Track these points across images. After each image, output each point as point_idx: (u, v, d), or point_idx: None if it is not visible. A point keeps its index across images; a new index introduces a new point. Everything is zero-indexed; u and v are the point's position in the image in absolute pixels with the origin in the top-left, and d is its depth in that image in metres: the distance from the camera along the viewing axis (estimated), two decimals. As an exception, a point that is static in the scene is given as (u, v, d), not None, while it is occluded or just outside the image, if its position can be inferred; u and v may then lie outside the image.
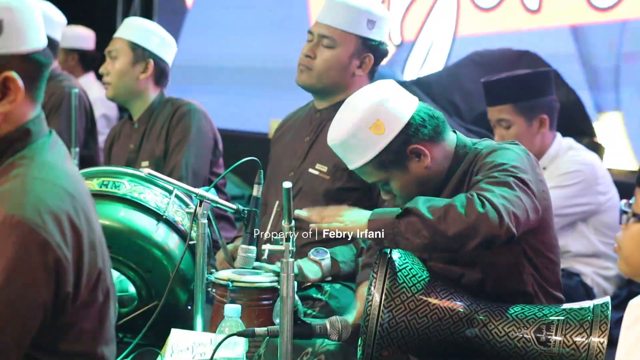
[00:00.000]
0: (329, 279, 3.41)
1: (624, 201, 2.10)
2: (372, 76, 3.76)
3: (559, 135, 4.62)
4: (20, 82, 2.07)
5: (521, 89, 4.40)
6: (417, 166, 2.97)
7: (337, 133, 3.00)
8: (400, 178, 2.97)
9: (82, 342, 2.10)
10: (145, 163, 4.32)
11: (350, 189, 3.63)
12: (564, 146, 4.59)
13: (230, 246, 3.83)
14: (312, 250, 3.37)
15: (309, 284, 3.42)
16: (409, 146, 2.94)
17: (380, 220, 2.79)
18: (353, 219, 2.86)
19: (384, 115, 2.93)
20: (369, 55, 3.68)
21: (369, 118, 2.93)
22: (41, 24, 2.12)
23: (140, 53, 4.37)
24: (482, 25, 6.08)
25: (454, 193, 2.92)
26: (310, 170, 3.68)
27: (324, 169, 3.65)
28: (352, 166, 3.00)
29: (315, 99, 3.81)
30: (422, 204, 2.75)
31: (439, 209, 2.72)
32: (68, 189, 2.07)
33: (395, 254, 2.83)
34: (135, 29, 4.42)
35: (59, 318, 2.04)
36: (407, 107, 2.97)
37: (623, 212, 2.08)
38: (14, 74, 2.07)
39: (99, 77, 4.84)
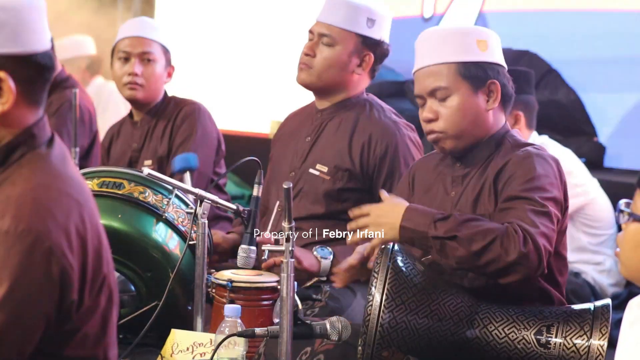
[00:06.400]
0: (324, 278, 3.41)
1: (623, 201, 2.09)
2: (372, 75, 3.75)
3: (535, 133, 4.67)
4: (11, 84, 2.03)
5: None
6: (483, 102, 2.98)
7: (441, 27, 3.03)
8: (463, 97, 2.96)
9: (86, 346, 2.08)
10: (148, 162, 4.32)
11: (351, 189, 3.62)
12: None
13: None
14: (317, 247, 3.38)
15: (308, 284, 3.42)
16: (493, 79, 2.98)
17: (413, 230, 2.77)
18: (380, 220, 2.83)
19: (493, 44, 3.00)
20: (369, 54, 3.68)
21: (481, 34, 3.00)
22: (43, 27, 2.08)
23: (169, 57, 4.39)
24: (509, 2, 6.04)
25: (478, 180, 2.94)
26: (311, 170, 3.67)
27: (325, 169, 3.65)
28: (435, 60, 2.98)
29: (316, 98, 3.80)
30: (463, 228, 2.73)
31: (480, 239, 2.70)
32: (74, 196, 2.05)
33: (397, 254, 2.83)
34: (162, 32, 4.41)
35: (63, 325, 2.02)
36: (504, 62, 3.04)
37: (620, 211, 2.07)
38: (4, 75, 2.03)
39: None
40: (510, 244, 2.68)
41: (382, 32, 3.69)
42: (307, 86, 3.74)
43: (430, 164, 3.15)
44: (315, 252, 3.38)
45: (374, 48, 3.68)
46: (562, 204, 2.87)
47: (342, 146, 3.65)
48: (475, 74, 2.96)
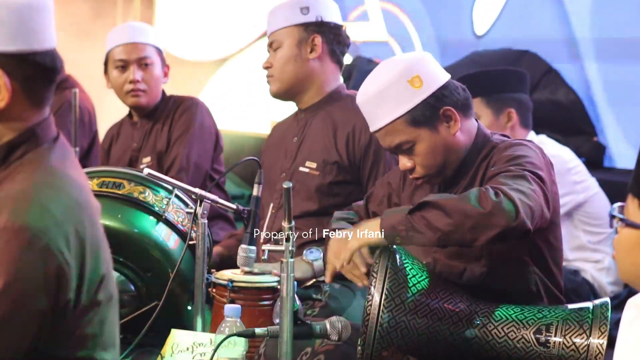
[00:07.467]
0: (322, 278, 3.41)
1: (617, 205, 2.08)
2: (335, 58, 3.81)
3: (532, 132, 4.68)
4: (7, 81, 2.03)
5: (489, 84, 4.56)
6: (446, 131, 2.95)
7: (371, 86, 2.95)
8: (428, 140, 2.93)
9: (83, 347, 2.07)
10: (146, 159, 4.34)
11: (341, 182, 3.66)
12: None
13: None
14: (305, 251, 3.38)
15: (308, 283, 3.42)
16: (443, 107, 2.93)
17: (392, 217, 2.74)
18: (364, 231, 2.79)
19: (423, 72, 2.93)
20: (315, 36, 3.76)
21: (408, 72, 2.93)
22: (46, 26, 2.07)
23: (163, 57, 4.41)
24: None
25: (470, 185, 2.92)
26: (301, 168, 3.73)
27: (313, 165, 3.70)
28: (383, 121, 2.94)
29: (296, 104, 3.86)
30: (434, 198, 2.72)
31: (452, 202, 2.68)
32: (73, 195, 2.05)
33: (396, 254, 2.83)
34: (152, 33, 4.42)
35: (60, 324, 2.02)
36: (443, 73, 2.99)
37: (612, 216, 2.06)
38: (0, 72, 2.02)
39: None
40: (482, 199, 2.65)
41: (318, 13, 3.77)
42: (277, 94, 3.83)
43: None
44: (305, 258, 3.36)
45: (318, 30, 3.76)
46: (548, 181, 2.82)
47: (328, 140, 3.70)
48: (425, 116, 2.92)
